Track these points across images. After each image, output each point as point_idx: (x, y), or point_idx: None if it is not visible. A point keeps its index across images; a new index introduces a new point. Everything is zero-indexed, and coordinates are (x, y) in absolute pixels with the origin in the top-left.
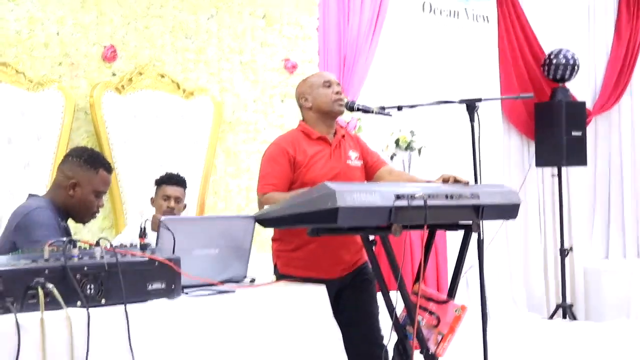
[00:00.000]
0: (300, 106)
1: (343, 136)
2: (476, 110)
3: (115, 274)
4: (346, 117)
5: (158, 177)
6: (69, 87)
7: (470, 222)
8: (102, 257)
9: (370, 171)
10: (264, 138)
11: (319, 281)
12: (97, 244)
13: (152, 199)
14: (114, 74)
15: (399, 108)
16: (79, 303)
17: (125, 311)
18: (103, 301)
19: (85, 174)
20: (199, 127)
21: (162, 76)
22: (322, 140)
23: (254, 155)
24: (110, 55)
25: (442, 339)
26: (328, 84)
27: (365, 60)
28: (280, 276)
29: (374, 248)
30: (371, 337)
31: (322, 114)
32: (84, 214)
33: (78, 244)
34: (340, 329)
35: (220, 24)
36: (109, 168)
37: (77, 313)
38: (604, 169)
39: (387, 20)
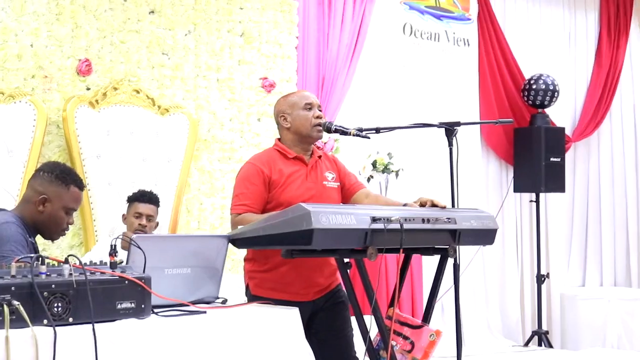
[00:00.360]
0: (278, 124)
1: (320, 157)
2: (455, 134)
3: (83, 292)
4: (323, 137)
5: (130, 194)
6: (41, 100)
7: (447, 246)
8: (70, 274)
9: (347, 194)
10: (239, 157)
11: (291, 304)
12: (66, 261)
13: (123, 216)
14: (88, 88)
15: (377, 130)
16: (45, 321)
17: (93, 330)
18: (70, 320)
19: (55, 189)
20: (174, 144)
21: (138, 92)
22: (298, 160)
23: (229, 175)
24: (84, 69)
25: None
26: (309, 106)
27: (344, 81)
28: (252, 297)
29: (348, 271)
30: None
31: (300, 136)
32: (53, 231)
33: (46, 261)
34: (314, 353)
35: (197, 40)
36: (80, 185)
37: (43, 332)
38: (582, 196)
39: (367, 42)
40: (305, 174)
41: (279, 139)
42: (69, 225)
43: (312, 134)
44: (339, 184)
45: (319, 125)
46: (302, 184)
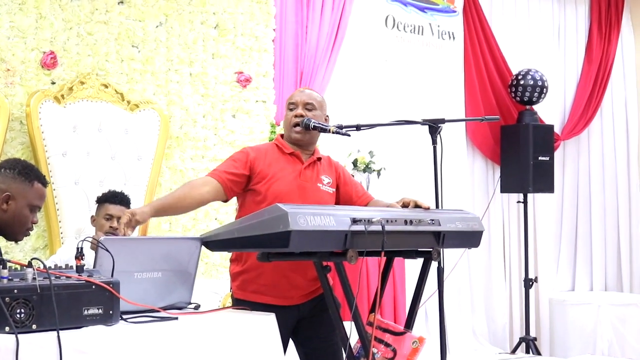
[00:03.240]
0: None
1: (319, 159)
2: (439, 132)
3: (48, 297)
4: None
5: (100, 195)
6: (3, 95)
7: (431, 249)
8: (34, 279)
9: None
10: (213, 155)
11: (275, 308)
12: (29, 264)
13: (92, 217)
14: (53, 82)
15: (358, 128)
16: (7, 328)
17: (58, 338)
18: (34, 327)
19: (19, 186)
20: (144, 142)
21: (106, 86)
22: (294, 157)
23: (202, 173)
24: (49, 61)
25: None
26: (291, 106)
27: (323, 76)
28: (235, 301)
29: (327, 275)
30: None
31: (286, 136)
32: (17, 231)
33: (8, 265)
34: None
35: (169, 32)
36: (44, 181)
37: (5, 339)
38: (571, 197)
39: (348, 35)
40: (299, 171)
41: (281, 135)
42: (33, 225)
43: (292, 135)
44: (334, 190)
45: (297, 124)
46: (293, 180)
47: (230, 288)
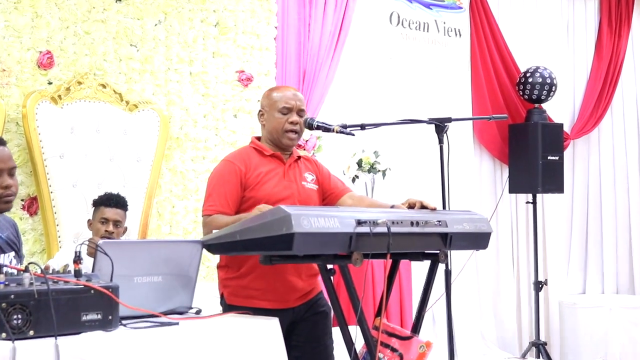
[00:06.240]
0: (259, 117)
1: (299, 157)
2: (446, 131)
3: (45, 302)
4: (305, 135)
5: (96, 198)
6: None
7: (437, 251)
8: (31, 284)
9: (334, 199)
10: (214, 156)
11: (270, 312)
12: (26, 269)
13: (89, 221)
14: (50, 83)
15: (362, 127)
16: (4, 335)
17: (56, 344)
18: (31, 333)
19: None
20: (143, 143)
21: (104, 86)
22: (275, 158)
23: (202, 175)
24: (46, 61)
25: None
26: (286, 111)
27: (326, 74)
28: (227, 307)
29: (332, 278)
30: None
31: (272, 137)
32: None
33: (4, 269)
34: None
35: (168, 31)
36: None
37: (1, 346)
38: (582, 197)
39: (351, 32)
40: (283, 172)
41: (257, 137)
42: (8, 189)
43: (283, 140)
44: (318, 186)
45: (292, 132)
46: (279, 182)
47: (221, 295)
